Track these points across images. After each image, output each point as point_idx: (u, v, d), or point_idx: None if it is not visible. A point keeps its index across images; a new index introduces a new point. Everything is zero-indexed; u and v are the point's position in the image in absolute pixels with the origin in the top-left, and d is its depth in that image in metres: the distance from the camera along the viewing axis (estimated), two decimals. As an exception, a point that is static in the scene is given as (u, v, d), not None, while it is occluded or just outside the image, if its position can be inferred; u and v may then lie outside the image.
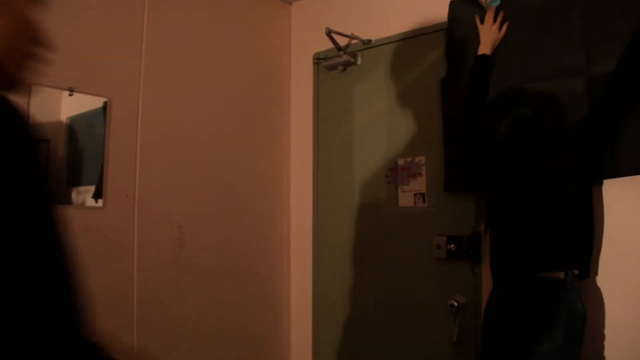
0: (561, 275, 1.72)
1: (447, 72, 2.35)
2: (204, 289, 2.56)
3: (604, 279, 1.95)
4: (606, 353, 1.92)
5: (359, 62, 2.74)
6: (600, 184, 1.97)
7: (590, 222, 1.89)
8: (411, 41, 2.57)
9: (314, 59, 2.93)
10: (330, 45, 2.75)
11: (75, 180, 2.21)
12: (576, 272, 1.77)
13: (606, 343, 1.93)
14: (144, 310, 2.31)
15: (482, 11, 2.20)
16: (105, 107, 2.23)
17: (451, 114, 2.31)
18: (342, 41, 2.75)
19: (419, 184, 2.49)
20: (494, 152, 1.93)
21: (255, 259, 2.84)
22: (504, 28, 2.14)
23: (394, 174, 2.58)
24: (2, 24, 0.83)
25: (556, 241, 1.79)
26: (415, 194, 2.50)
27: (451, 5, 2.35)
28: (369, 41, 2.72)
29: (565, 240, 1.80)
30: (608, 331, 1.93)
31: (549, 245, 1.79)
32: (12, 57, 0.86)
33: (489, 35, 2.13)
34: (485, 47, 2.12)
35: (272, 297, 2.91)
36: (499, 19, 2.14)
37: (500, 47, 2.16)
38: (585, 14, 1.97)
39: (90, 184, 2.22)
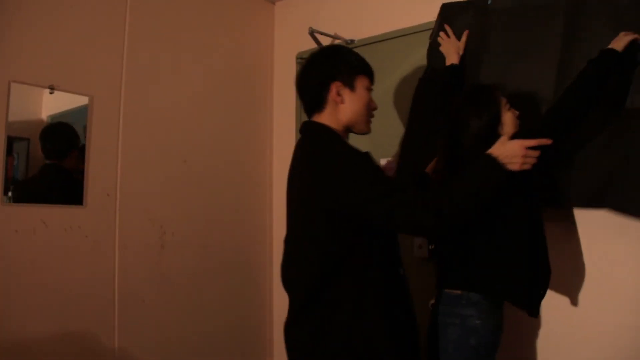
0: (459, 291, 1.74)
1: (425, 72, 2.32)
2: (186, 289, 2.55)
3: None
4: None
5: (341, 62, 2.75)
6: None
7: (532, 252, 1.75)
8: (394, 41, 2.58)
9: (296, 58, 2.93)
10: (314, 45, 2.75)
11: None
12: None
13: None
14: (125, 311, 2.30)
15: (476, 15, 2.20)
16: (86, 105, 2.22)
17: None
18: (325, 41, 2.76)
19: (401, 184, 2.50)
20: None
21: (238, 257, 2.84)
22: (464, 37, 2.19)
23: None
24: (353, 104, 1.68)
25: (464, 260, 1.77)
26: (397, 194, 2.50)
27: (443, 7, 2.31)
28: (352, 41, 2.72)
29: (479, 260, 1.75)
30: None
31: (457, 262, 1.79)
32: (360, 122, 1.70)
33: (450, 45, 2.19)
34: (451, 58, 2.16)
35: (254, 296, 2.91)
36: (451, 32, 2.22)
37: (481, 50, 2.17)
38: (566, 30, 1.97)
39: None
